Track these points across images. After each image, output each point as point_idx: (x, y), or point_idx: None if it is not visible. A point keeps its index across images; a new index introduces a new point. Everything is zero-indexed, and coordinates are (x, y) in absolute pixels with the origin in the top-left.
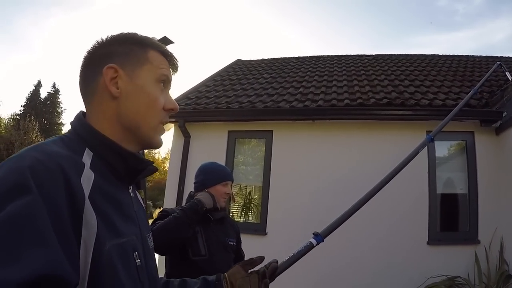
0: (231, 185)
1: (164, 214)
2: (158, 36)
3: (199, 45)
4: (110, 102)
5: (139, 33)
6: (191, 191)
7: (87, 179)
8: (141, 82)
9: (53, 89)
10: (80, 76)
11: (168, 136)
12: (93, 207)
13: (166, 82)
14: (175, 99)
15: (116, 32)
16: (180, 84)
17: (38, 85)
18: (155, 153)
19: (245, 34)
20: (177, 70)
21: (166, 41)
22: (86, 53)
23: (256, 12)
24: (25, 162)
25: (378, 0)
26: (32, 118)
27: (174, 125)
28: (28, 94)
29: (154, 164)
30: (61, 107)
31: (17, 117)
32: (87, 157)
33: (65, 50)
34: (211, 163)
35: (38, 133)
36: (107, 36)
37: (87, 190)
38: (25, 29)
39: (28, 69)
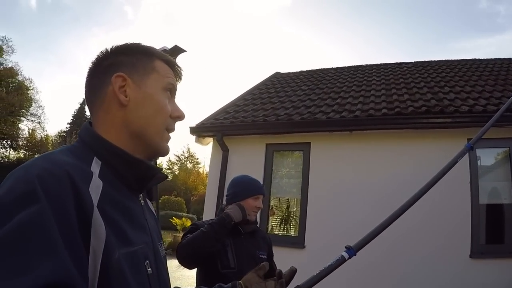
0: (262, 199)
1: (193, 227)
2: (169, 45)
3: (240, 58)
4: (118, 110)
5: (143, 44)
6: (222, 204)
7: (96, 187)
8: (149, 90)
9: None
10: (86, 86)
11: (207, 150)
12: (102, 216)
13: (172, 91)
14: (213, 114)
15: (120, 43)
16: (221, 98)
17: (84, 103)
18: (199, 167)
19: (284, 47)
20: (181, 79)
21: (178, 50)
22: (91, 64)
23: (294, 25)
24: (33, 171)
25: (417, 7)
26: None
27: (213, 140)
28: (74, 112)
29: (194, 181)
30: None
31: (64, 134)
32: (95, 166)
33: None
34: (243, 176)
35: None
36: (112, 47)
37: (95, 199)
38: (70, 50)
39: (75, 88)
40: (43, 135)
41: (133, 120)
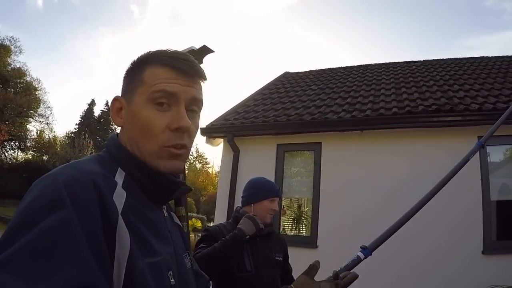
0: (278, 202)
1: (206, 235)
2: (198, 46)
3: (248, 58)
4: (121, 131)
5: (154, 50)
6: (237, 206)
7: (119, 197)
8: (134, 108)
9: (106, 107)
10: None
11: (218, 151)
12: (126, 225)
13: (169, 97)
14: (223, 114)
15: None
16: (230, 98)
17: (92, 103)
18: (209, 167)
19: (293, 47)
20: (196, 75)
21: (205, 50)
22: None
23: (300, 25)
24: (60, 179)
25: (423, 5)
26: (87, 136)
27: (223, 140)
28: (82, 113)
29: (203, 181)
30: (114, 125)
31: (72, 135)
32: (119, 177)
33: (118, 69)
34: (260, 178)
35: (93, 151)
36: (133, 60)
37: (119, 208)
38: (78, 50)
39: (83, 88)
40: (51, 136)
41: (129, 140)
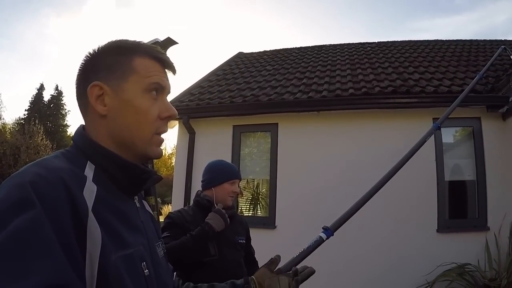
0: (239, 184)
1: (169, 222)
2: (161, 37)
3: (201, 39)
4: (100, 120)
5: (127, 40)
6: (198, 190)
7: (90, 192)
8: (127, 96)
9: (56, 91)
10: (75, 91)
11: (173, 133)
12: (97, 220)
13: (159, 89)
14: (178, 96)
15: (105, 41)
16: (183, 80)
17: (41, 88)
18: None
19: (245, 27)
20: (174, 71)
21: (170, 42)
22: (78, 68)
23: (253, 4)
24: (27, 178)
25: None
26: (37, 121)
27: (179, 122)
28: (32, 98)
29: (157, 171)
30: (65, 109)
31: (22, 121)
32: (89, 170)
33: (66, 51)
34: (219, 161)
35: (44, 136)
36: (96, 48)
37: (90, 203)
38: (23, 33)
39: (31, 73)
40: (0, 124)
41: (116, 130)
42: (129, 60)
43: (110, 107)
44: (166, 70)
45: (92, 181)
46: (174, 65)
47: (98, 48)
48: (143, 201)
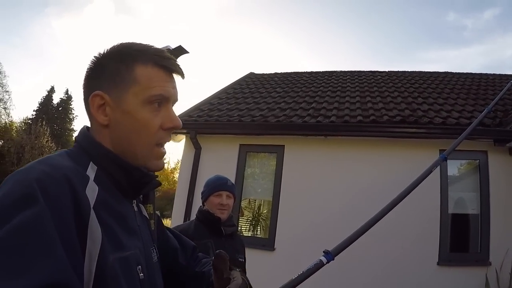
0: (229, 196)
1: None
2: (173, 45)
3: (213, 56)
4: (103, 129)
5: (132, 44)
6: (200, 206)
7: (92, 191)
8: (127, 108)
9: (66, 95)
10: (83, 95)
11: (178, 148)
12: (98, 219)
13: (162, 100)
14: (187, 111)
15: (111, 45)
16: (194, 95)
17: (51, 90)
18: (165, 163)
19: (258, 49)
20: (183, 76)
21: (180, 50)
22: (85, 73)
23: (268, 28)
24: (32, 174)
25: (386, 17)
26: (44, 123)
27: (185, 137)
28: (41, 99)
29: (158, 178)
30: (73, 114)
31: (29, 121)
32: (91, 171)
33: (79, 56)
34: (213, 176)
35: (49, 138)
36: (101, 52)
37: (92, 202)
38: (34, 32)
39: (42, 73)
40: (7, 121)
41: (117, 140)
42: (131, 69)
43: (111, 117)
44: (174, 74)
45: (94, 181)
46: (182, 69)
47: (102, 53)
48: (140, 205)
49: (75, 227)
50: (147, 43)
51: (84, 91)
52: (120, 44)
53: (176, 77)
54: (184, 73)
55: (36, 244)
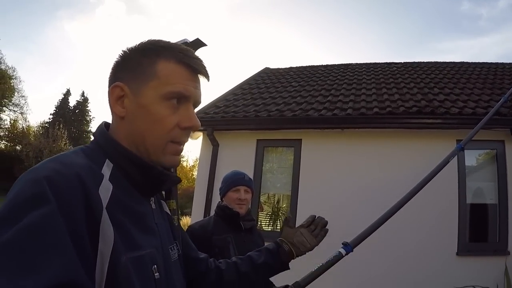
0: (248, 191)
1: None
2: (190, 38)
3: (227, 54)
4: (120, 121)
5: (159, 40)
6: (219, 201)
7: (105, 190)
8: (144, 101)
9: (82, 97)
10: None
11: (197, 145)
12: (111, 219)
13: (182, 98)
14: (203, 108)
15: (140, 40)
16: (210, 91)
17: (67, 93)
18: (183, 160)
19: (272, 44)
20: (208, 77)
21: (198, 43)
22: (111, 66)
23: (281, 24)
24: (42, 173)
25: (399, 8)
26: (61, 126)
27: (203, 134)
28: (57, 103)
29: (178, 175)
30: (90, 116)
31: (46, 125)
32: (106, 169)
33: (94, 58)
34: (230, 171)
35: (67, 141)
36: (129, 47)
37: (105, 201)
38: (48, 38)
39: (57, 77)
40: (25, 126)
41: (132, 133)
42: (153, 63)
43: (128, 109)
44: (199, 76)
45: (109, 179)
46: (207, 71)
47: (130, 47)
48: (162, 201)
49: (86, 227)
50: (175, 42)
51: (108, 84)
52: (148, 40)
53: (202, 78)
54: (209, 75)
55: (46, 243)
